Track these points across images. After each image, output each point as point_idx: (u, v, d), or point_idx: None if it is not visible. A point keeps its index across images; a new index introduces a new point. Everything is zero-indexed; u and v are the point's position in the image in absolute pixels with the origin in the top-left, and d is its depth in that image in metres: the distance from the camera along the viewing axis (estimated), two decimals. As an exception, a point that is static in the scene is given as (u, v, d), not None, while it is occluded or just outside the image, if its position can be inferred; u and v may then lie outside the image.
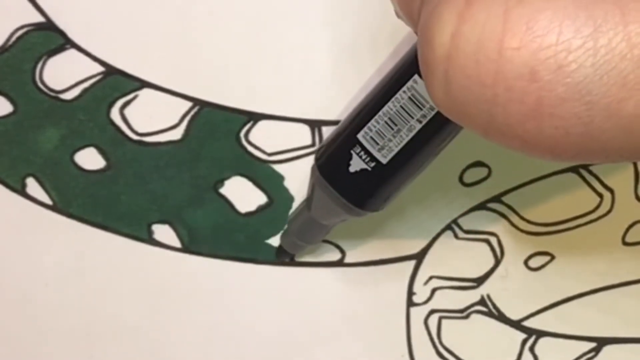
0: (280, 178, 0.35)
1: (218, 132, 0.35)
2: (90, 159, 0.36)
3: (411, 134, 0.29)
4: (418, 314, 0.35)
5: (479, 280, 0.35)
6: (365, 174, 0.30)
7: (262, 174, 0.35)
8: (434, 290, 0.35)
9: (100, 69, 0.35)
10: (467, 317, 0.35)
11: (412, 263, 0.35)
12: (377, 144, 0.30)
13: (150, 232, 0.36)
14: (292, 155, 0.35)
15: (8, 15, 0.35)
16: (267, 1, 0.34)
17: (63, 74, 0.35)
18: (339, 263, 0.36)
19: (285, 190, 0.35)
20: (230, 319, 0.36)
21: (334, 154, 0.31)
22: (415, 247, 0.35)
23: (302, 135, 0.35)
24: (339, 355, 0.36)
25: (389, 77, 0.30)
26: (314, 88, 0.35)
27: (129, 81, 0.35)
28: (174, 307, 0.36)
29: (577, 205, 0.34)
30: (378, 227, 0.35)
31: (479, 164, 0.34)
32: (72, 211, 0.36)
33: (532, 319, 0.35)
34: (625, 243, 0.34)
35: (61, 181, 0.36)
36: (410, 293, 0.35)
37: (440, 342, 0.35)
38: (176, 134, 0.35)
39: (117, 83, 0.35)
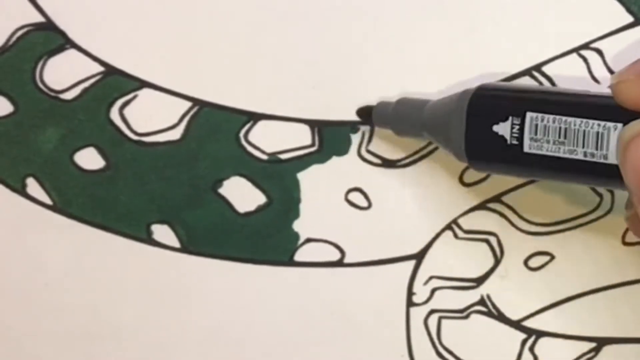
0: (279, 178, 0.35)
1: (217, 132, 0.35)
2: (90, 159, 0.36)
3: (567, 156, 0.28)
4: (418, 314, 0.35)
5: (479, 280, 0.35)
6: (499, 141, 0.29)
7: (262, 174, 0.35)
8: (433, 290, 0.35)
9: (100, 68, 0.35)
10: (466, 317, 0.35)
11: (412, 263, 0.35)
12: (536, 134, 0.28)
13: (149, 232, 0.36)
14: (292, 155, 0.35)
15: (8, 15, 0.35)
16: (267, 1, 0.34)
17: (63, 74, 0.35)
18: (339, 263, 0.36)
19: (285, 190, 0.35)
20: (229, 318, 0.36)
21: (494, 104, 0.29)
22: (415, 247, 0.35)
23: (302, 135, 0.35)
24: (339, 355, 0.36)
25: (602, 96, 0.28)
26: (314, 88, 0.35)
27: (128, 81, 0.35)
28: (173, 306, 0.36)
29: (577, 205, 0.34)
30: (378, 227, 0.35)
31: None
32: (72, 211, 0.36)
33: (531, 319, 0.35)
34: (625, 243, 0.34)
35: (61, 181, 0.36)
36: (410, 293, 0.35)
37: (440, 342, 0.35)
38: (175, 134, 0.35)
39: (116, 83, 0.35)
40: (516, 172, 0.30)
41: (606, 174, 0.27)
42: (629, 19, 0.33)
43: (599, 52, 0.33)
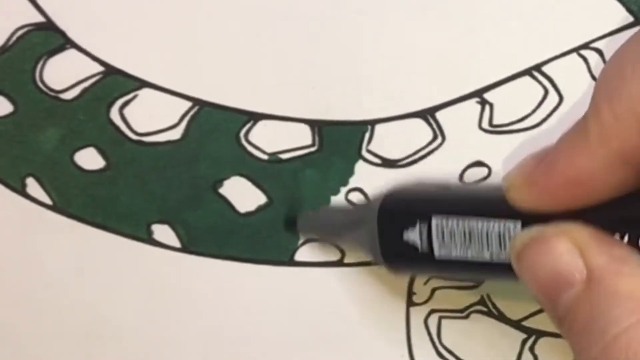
0: (280, 178, 0.35)
1: (218, 132, 0.35)
2: (90, 159, 0.36)
3: (475, 259, 0.29)
4: (418, 313, 0.35)
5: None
6: (411, 248, 0.30)
7: (262, 173, 0.35)
8: (433, 290, 0.35)
9: (100, 68, 0.35)
10: (467, 316, 0.35)
11: (412, 263, 0.35)
12: (443, 239, 0.29)
13: (149, 232, 0.36)
14: (293, 155, 0.35)
15: (8, 15, 0.35)
16: (268, 1, 0.34)
17: (63, 73, 0.35)
18: (339, 263, 0.36)
19: (285, 190, 0.35)
20: (229, 319, 0.36)
21: (401, 211, 0.31)
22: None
23: (302, 135, 0.35)
24: (339, 355, 0.36)
25: (495, 196, 0.29)
26: (314, 88, 0.35)
27: (128, 81, 0.35)
28: (173, 306, 0.36)
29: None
30: (378, 227, 0.35)
31: (479, 164, 0.34)
32: (72, 211, 0.36)
33: (532, 319, 0.35)
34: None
35: (61, 181, 0.36)
36: (410, 293, 0.35)
37: (440, 342, 0.35)
38: (176, 134, 0.35)
39: (116, 83, 0.35)
40: (433, 274, 0.33)
41: (514, 273, 0.28)
42: (629, 19, 0.33)
43: (599, 52, 0.33)
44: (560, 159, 0.26)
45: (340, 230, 0.33)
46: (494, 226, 0.28)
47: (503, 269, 0.28)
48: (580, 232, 0.26)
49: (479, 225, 0.29)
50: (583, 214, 0.26)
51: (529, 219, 0.27)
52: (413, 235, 0.30)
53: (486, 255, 0.29)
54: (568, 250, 0.26)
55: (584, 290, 0.25)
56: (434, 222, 0.29)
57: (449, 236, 0.29)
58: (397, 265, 0.32)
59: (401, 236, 0.30)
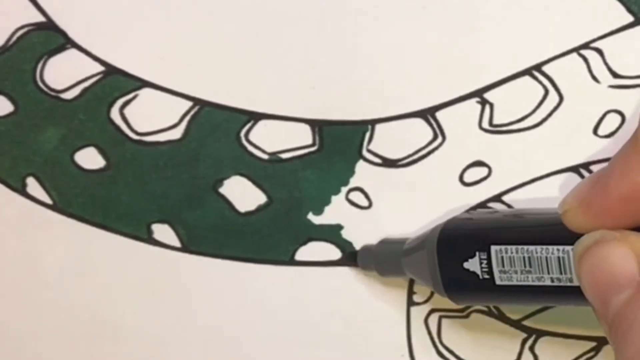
0: (280, 178, 0.35)
1: (218, 131, 0.35)
2: (90, 158, 0.36)
3: (537, 283, 0.29)
4: (418, 313, 0.35)
5: (479, 280, 0.35)
6: (472, 276, 0.30)
7: (262, 173, 0.35)
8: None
9: (101, 68, 0.35)
10: (467, 316, 0.35)
11: (412, 263, 0.35)
12: (503, 266, 0.29)
13: (149, 232, 0.36)
14: (293, 154, 0.35)
15: (9, 15, 0.35)
16: (267, 1, 0.35)
17: (63, 73, 0.35)
18: (339, 263, 0.36)
19: (285, 190, 0.35)
20: (229, 318, 0.36)
21: (460, 241, 0.31)
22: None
23: (302, 135, 0.35)
24: (339, 355, 0.36)
25: (551, 220, 0.29)
26: (314, 88, 0.35)
27: (129, 81, 0.35)
28: (173, 306, 0.36)
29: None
30: (378, 226, 0.35)
31: (479, 163, 0.34)
32: (72, 211, 0.36)
33: (532, 319, 0.35)
34: (625, 242, 0.34)
35: (61, 181, 0.36)
36: (411, 292, 0.35)
37: (441, 342, 0.35)
38: (176, 134, 0.35)
39: (117, 83, 0.35)
40: (494, 302, 0.33)
41: (576, 295, 0.28)
42: (629, 18, 0.33)
43: (599, 51, 0.33)
44: (615, 176, 0.27)
45: (400, 264, 0.33)
46: (553, 251, 0.29)
47: (563, 293, 0.29)
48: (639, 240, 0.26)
49: (537, 250, 0.29)
50: None
51: None
52: (473, 265, 0.30)
53: (547, 281, 0.29)
54: (625, 255, 0.26)
55: (634, 293, 0.25)
56: (492, 250, 0.30)
57: (509, 263, 0.29)
58: (459, 294, 0.31)
59: (461, 266, 0.30)
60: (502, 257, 0.29)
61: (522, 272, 0.29)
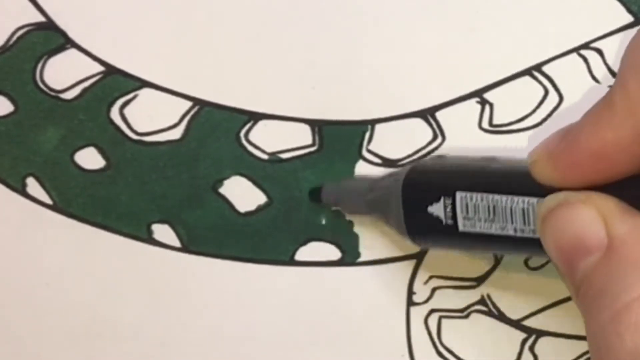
0: (280, 178, 0.35)
1: (218, 131, 0.35)
2: (90, 158, 0.36)
3: (500, 232, 0.29)
4: (418, 313, 0.35)
5: (479, 280, 0.35)
6: (435, 221, 0.30)
7: (262, 173, 0.35)
8: (434, 290, 0.35)
9: (101, 68, 0.35)
10: (467, 316, 0.35)
11: (412, 262, 0.35)
12: (467, 213, 0.29)
13: (149, 232, 0.36)
14: (293, 154, 0.35)
15: (9, 15, 0.35)
16: (268, 1, 0.34)
17: (63, 73, 0.35)
18: (339, 263, 0.36)
19: (285, 190, 0.35)
20: (229, 318, 0.36)
21: (426, 184, 0.31)
22: (415, 246, 0.35)
23: (302, 135, 0.35)
24: (339, 355, 0.36)
25: (519, 173, 0.29)
26: (314, 88, 0.35)
27: (129, 81, 0.35)
28: (173, 306, 0.36)
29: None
30: (378, 226, 0.35)
31: (479, 163, 0.34)
32: (72, 211, 0.36)
33: (532, 319, 0.35)
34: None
35: (61, 181, 0.36)
36: (410, 292, 0.35)
37: (440, 342, 0.35)
38: (176, 134, 0.35)
39: (117, 83, 0.35)
40: (456, 248, 0.32)
41: (538, 248, 0.28)
42: (629, 18, 0.33)
43: (599, 52, 0.33)
44: (585, 132, 0.26)
45: (364, 201, 0.33)
46: (518, 202, 0.28)
47: (526, 244, 0.29)
48: (605, 201, 0.26)
49: (503, 200, 0.29)
50: (607, 188, 0.26)
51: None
52: (437, 209, 0.30)
53: (510, 230, 0.29)
54: (591, 217, 0.26)
55: (602, 257, 0.25)
56: (458, 196, 0.30)
57: (473, 210, 0.29)
58: (421, 237, 0.31)
59: (425, 209, 0.30)
60: (467, 204, 0.29)
61: (486, 220, 0.29)
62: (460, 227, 0.30)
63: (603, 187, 0.26)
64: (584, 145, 0.26)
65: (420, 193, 0.31)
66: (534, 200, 0.28)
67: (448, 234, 0.30)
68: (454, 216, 0.30)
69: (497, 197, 0.29)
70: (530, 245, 0.28)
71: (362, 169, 0.35)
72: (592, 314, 0.25)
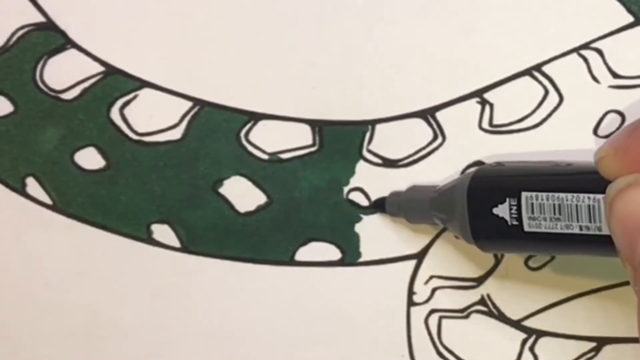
0: (280, 178, 0.35)
1: (218, 131, 0.35)
2: (90, 158, 0.36)
3: (565, 231, 0.29)
4: (418, 313, 0.35)
5: (479, 280, 0.35)
6: (501, 222, 0.30)
7: (262, 173, 0.35)
8: (434, 290, 0.35)
9: (101, 68, 0.35)
10: (467, 316, 0.35)
11: (413, 263, 0.35)
12: (532, 212, 0.29)
13: (149, 232, 0.36)
14: (293, 154, 0.35)
15: (9, 15, 0.35)
16: (268, 1, 0.34)
17: (63, 73, 0.35)
18: (339, 263, 0.36)
19: (285, 190, 0.35)
20: (229, 318, 0.36)
21: (491, 188, 0.31)
22: (415, 246, 0.35)
23: (302, 135, 0.35)
24: (339, 355, 0.36)
25: (586, 169, 0.29)
26: (314, 88, 0.35)
27: (129, 81, 0.35)
28: (173, 306, 0.36)
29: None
30: (378, 226, 0.35)
31: (479, 163, 0.34)
32: (72, 211, 0.36)
33: (532, 319, 0.35)
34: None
35: (61, 181, 0.36)
36: (411, 292, 0.35)
37: (441, 342, 0.35)
38: (176, 134, 0.35)
39: (117, 83, 0.35)
40: (521, 249, 0.32)
41: (604, 245, 0.28)
42: (629, 19, 0.33)
43: (599, 52, 0.33)
44: None
45: (428, 209, 0.33)
46: (584, 199, 0.29)
47: (591, 242, 0.29)
48: None
49: (568, 198, 0.29)
50: None
51: None
52: (502, 210, 0.30)
53: (575, 228, 0.29)
54: None
55: None
56: (523, 196, 0.30)
57: (539, 210, 0.29)
58: (486, 240, 0.31)
59: (490, 211, 0.30)
60: (532, 204, 0.29)
61: (551, 219, 0.29)
62: (526, 227, 0.30)
63: None
64: None
65: (485, 195, 0.31)
66: (599, 196, 0.28)
67: (513, 235, 0.30)
68: (519, 217, 0.30)
69: (562, 195, 0.29)
70: (596, 243, 0.29)
71: (362, 169, 0.35)
72: None
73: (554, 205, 0.29)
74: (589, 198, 0.28)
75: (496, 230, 0.30)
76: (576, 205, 0.29)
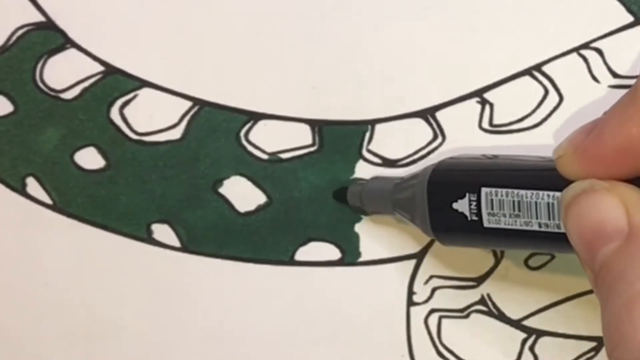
0: (280, 178, 0.35)
1: (218, 131, 0.35)
2: (90, 158, 0.36)
3: (524, 227, 0.29)
4: (418, 313, 0.35)
5: (479, 280, 0.35)
6: (460, 217, 0.30)
7: (262, 173, 0.35)
8: (434, 290, 0.35)
9: (100, 68, 0.35)
10: (467, 316, 0.35)
11: (412, 262, 0.35)
12: (492, 208, 0.29)
13: (149, 232, 0.36)
14: (293, 154, 0.35)
15: (8, 14, 0.35)
16: (268, 1, 0.34)
17: (63, 73, 0.35)
18: (339, 263, 0.36)
19: (285, 190, 0.35)
20: (229, 318, 0.36)
21: (451, 181, 0.31)
22: (415, 246, 0.35)
23: (302, 135, 0.35)
24: (339, 355, 0.36)
25: (544, 166, 0.29)
26: (314, 88, 0.35)
27: (128, 81, 0.35)
28: (173, 306, 0.36)
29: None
30: (378, 226, 0.35)
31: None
32: (72, 211, 0.36)
33: (532, 319, 0.35)
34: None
35: (61, 181, 0.36)
36: (411, 292, 0.35)
37: (441, 342, 0.35)
38: (176, 134, 0.35)
39: (116, 82, 0.35)
40: (481, 244, 0.32)
41: (564, 242, 0.28)
42: (629, 18, 0.33)
43: (599, 51, 0.33)
44: (610, 126, 0.26)
45: (389, 201, 0.33)
46: (544, 196, 0.29)
47: (550, 239, 0.29)
48: (629, 191, 0.26)
49: (527, 195, 0.29)
50: (632, 182, 0.26)
51: None
52: (462, 206, 0.30)
53: (534, 225, 0.29)
54: (614, 205, 0.26)
55: (622, 245, 0.25)
56: (483, 192, 0.30)
57: (498, 206, 0.29)
58: (445, 234, 0.31)
59: (450, 206, 0.30)
60: (492, 200, 0.29)
61: (511, 215, 0.29)
62: (485, 223, 0.30)
63: (627, 181, 0.26)
64: (609, 139, 0.26)
65: (445, 190, 0.31)
66: (559, 194, 0.28)
67: (473, 230, 0.30)
68: (479, 212, 0.30)
69: (522, 192, 0.29)
70: (555, 240, 0.29)
71: (362, 169, 0.35)
72: (608, 301, 0.25)
73: (514, 201, 0.29)
74: (548, 196, 0.28)
75: (456, 224, 0.30)
76: (535, 203, 0.29)
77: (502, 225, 0.29)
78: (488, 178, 0.30)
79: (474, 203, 0.30)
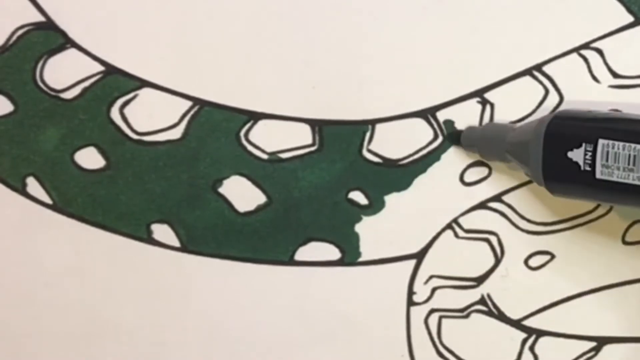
0: (279, 177, 0.35)
1: (218, 131, 0.35)
2: (90, 158, 0.36)
3: (636, 182, 0.29)
4: (418, 313, 0.35)
5: (479, 280, 0.35)
6: (573, 166, 0.30)
7: (262, 173, 0.35)
8: (434, 290, 0.35)
9: (100, 68, 0.35)
10: (467, 316, 0.35)
11: (413, 262, 0.35)
12: (607, 160, 0.29)
13: (149, 232, 0.36)
14: (293, 154, 0.35)
15: (9, 14, 0.35)
16: (268, 1, 0.34)
17: (63, 73, 0.35)
18: (339, 263, 0.36)
19: (285, 190, 0.35)
20: (229, 318, 0.36)
21: (569, 129, 0.31)
22: (415, 246, 0.35)
23: (302, 135, 0.35)
24: (338, 355, 0.36)
25: None
26: (314, 88, 0.35)
27: (128, 80, 0.35)
28: (172, 305, 0.36)
29: (577, 204, 0.34)
30: (378, 226, 0.35)
31: (479, 163, 0.34)
32: (72, 210, 0.36)
33: (532, 319, 0.35)
34: (625, 242, 0.34)
35: (61, 180, 0.36)
36: (411, 292, 0.35)
37: (440, 341, 0.35)
38: (176, 133, 0.35)
39: (117, 82, 0.35)
40: (589, 196, 0.32)
41: None
42: (629, 19, 0.33)
43: (599, 51, 0.33)
44: None
45: (504, 146, 0.33)
46: None
47: None
48: None
49: None
50: None
51: None
52: (577, 155, 0.30)
53: None
54: None
55: None
56: (600, 144, 0.30)
57: (613, 158, 0.29)
58: (556, 183, 0.31)
59: (565, 155, 0.30)
60: (608, 152, 0.29)
61: (625, 169, 0.29)
62: (598, 175, 0.30)
63: None
64: None
65: (562, 138, 0.31)
66: None
67: (584, 180, 0.30)
68: (593, 163, 0.30)
69: (639, 146, 0.29)
70: None
71: (362, 168, 0.35)
72: None
73: (629, 155, 0.29)
74: None
75: (568, 173, 0.30)
76: None
77: (614, 178, 0.29)
78: (606, 130, 0.30)
79: (590, 153, 0.30)
